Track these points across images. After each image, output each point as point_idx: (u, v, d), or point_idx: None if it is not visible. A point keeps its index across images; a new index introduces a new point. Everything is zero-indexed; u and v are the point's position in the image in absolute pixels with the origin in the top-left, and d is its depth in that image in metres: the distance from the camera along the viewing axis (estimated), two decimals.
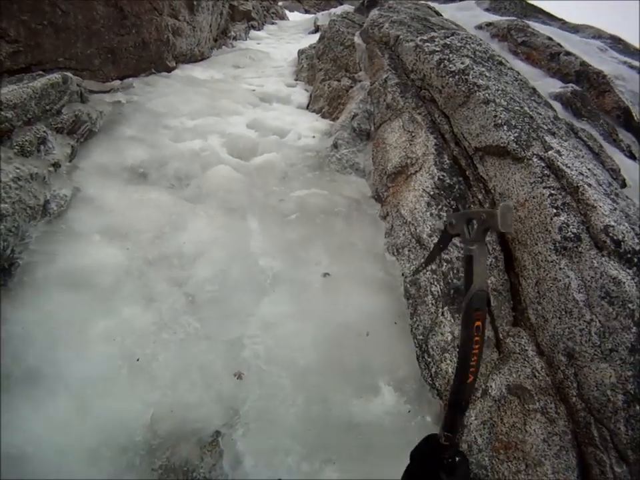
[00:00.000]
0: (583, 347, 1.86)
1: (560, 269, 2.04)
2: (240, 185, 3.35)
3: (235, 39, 8.89)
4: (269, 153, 3.85)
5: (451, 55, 3.36)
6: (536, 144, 2.51)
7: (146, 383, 1.96)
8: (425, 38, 3.80)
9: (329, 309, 2.42)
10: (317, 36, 7.64)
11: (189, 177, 3.35)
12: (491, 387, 1.96)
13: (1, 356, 1.86)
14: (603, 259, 1.95)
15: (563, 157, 2.40)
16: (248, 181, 3.43)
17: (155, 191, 3.09)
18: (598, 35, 7.33)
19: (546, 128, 2.72)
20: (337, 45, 5.73)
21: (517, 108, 2.80)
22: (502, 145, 2.57)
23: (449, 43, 3.59)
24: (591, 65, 5.10)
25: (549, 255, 2.11)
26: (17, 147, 2.58)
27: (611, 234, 1.97)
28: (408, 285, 2.49)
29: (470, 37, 3.86)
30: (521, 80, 3.50)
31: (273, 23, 12.71)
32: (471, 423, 1.88)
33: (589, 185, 2.21)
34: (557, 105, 4.09)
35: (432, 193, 2.70)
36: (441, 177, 2.76)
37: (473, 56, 3.42)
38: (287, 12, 15.41)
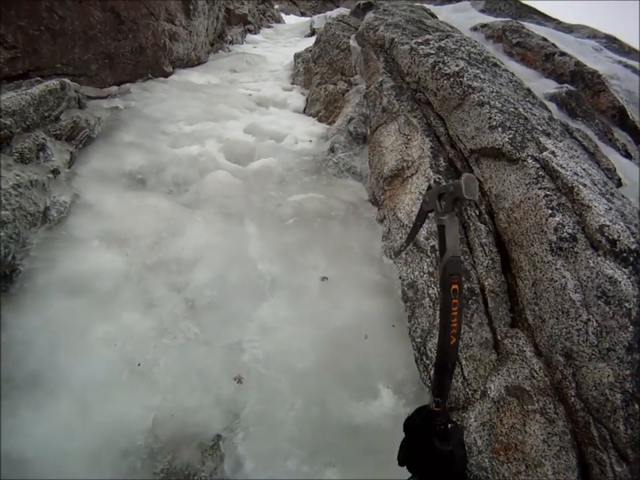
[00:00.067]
0: (581, 346, 1.87)
1: (556, 269, 2.05)
2: (238, 190, 3.36)
3: (231, 42, 8.91)
4: (266, 158, 3.86)
5: (445, 58, 3.37)
6: (531, 145, 2.52)
7: (146, 388, 1.97)
8: (420, 41, 3.81)
9: (327, 312, 2.43)
10: (313, 39, 7.65)
11: (187, 182, 3.36)
12: (490, 388, 1.97)
13: (4, 361, 1.87)
14: (599, 258, 1.96)
15: (558, 158, 2.40)
16: (245, 185, 3.44)
17: (153, 196, 3.10)
18: (593, 34, 7.37)
19: (541, 129, 2.73)
20: (332, 49, 5.74)
21: (511, 109, 2.82)
22: (497, 146, 2.58)
23: (443, 45, 3.60)
24: (585, 65, 5.12)
25: (545, 256, 2.12)
26: (16, 154, 2.59)
27: (606, 233, 1.98)
28: (405, 288, 2.50)
29: (464, 39, 3.87)
30: (516, 81, 3.51)
31: (269, 27, 12.75)
32: (470, 425, 1.89)
33: (584, 185, 2.22)
34: (552, 106, 4.11)
35: None
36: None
37: (467, 58, 3.43)
38: (283, 15, 15.45)
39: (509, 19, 6.52)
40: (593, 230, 2.03)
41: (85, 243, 2.54)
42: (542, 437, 1.81)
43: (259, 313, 2.41)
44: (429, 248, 2.45)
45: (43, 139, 2.84)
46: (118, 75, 4.83)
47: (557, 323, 1.99)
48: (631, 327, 1.78)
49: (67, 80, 3.43)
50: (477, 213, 2.63)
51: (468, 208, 2.66)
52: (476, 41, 4.11)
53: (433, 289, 2.29)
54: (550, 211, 2.17)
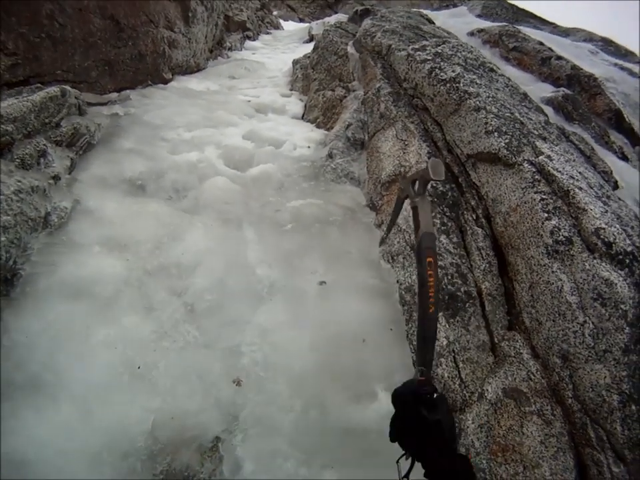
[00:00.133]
0: (577, 348, 1.88)
1: (552, 272, 2.07)
2: (236, 195, 3.38)
3: (230, 49, 8.97)
4: (265, 164, 3.88)
5: (442, 64, 3.40)
6: (527, 149, 2.54)
7: (147, 390, 1.99)
8: (417, 47, 3.84)
9: (325, 316, 2.44)
10: (311, 45, 7.69)
11: (186, 188, 3.38)
12: (487, 390, 1.98)
13: (6, 363, 1.89)
14: (595, 261, 1.97)
15: (554, 162, 2.42)
16: (244, 191, 3.46)
17: (153, 202, 3.12)
18: (589, 37, 7.39)
19: (537, 133, 2.75)
20: (330, 55, 5.78)
21: (507, 114, 2.84)
22: (493, 151, 2.60)
23: (440, 51, 3.64)
24: (582, 69, 5.14)
25: (542, 259, 2.14)
26: (17, 160, 2.61)
27: (602, 236, 2.00)
28: (403, 292, 2.52)
29: (461, 45, 3.90)
30: (512, 86, 3.54)
31: (267, 33, 12.83)
32: (468, 427, 1.90)
33: (580, 189, 2.24)
34: (548, 110, 4.12)
35: None
36: (434, 185, 2.78)
37: (463, 64, 3.46)
38: (281, 21, 15.55)
39: (506, 24, 6.54)
40: (588, 233, 2.05)
41: (85, 248, 2.56)
42: (539, 438, 1.82)
43: (257, 317, 2.42)
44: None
45: (44, 145, 2.86)
46: (118, 82, 4.86)
47: (553, 325, 2.00)
48: (627, 328, 1.79)
49: (67, 87, 3.46)
50: (474, 217, 2.65)
51: (465, 212, 2.68)
52: (472, 47, 4.14)
53: None
54: (546, 215, 2.19)
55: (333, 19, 10.65)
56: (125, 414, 1.88)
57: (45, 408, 1.81)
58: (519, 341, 2.17)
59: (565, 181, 2.27)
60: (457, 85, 3.09)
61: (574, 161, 2.65)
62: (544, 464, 1.77)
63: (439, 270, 2.36)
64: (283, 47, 10.84)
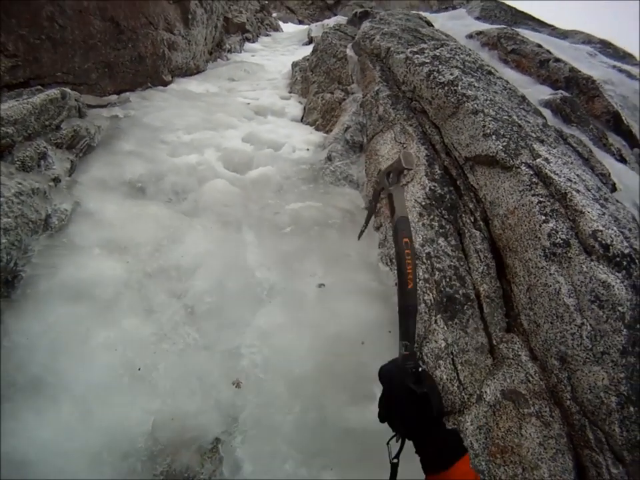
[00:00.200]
0: (575, 350, 1.89)
1: (550, 274, 2.08)
2: (236, 198, 3.38)
3: (229, 51, 8.99)
4: (264, 167, 3.89)
5: (440, 67, 3.40)
6: (524, 152, 2.55)
7: (147, 392, 1.99)
8: (415, 50, 3.84)
9: (324, 318, 2.45)
10: (310, 47, 7.71)
11: (186, 191, 3.39)
12: (486, 392, 1.99)
13: (7, 365, 1.89)
14: (592, 263, 1.98)
15: (551, 164, 2.43)
16: (244, 194, 3.47)
17: (153, 204, 3.12)
18: (588, 40, 7.40)
19: (534, 136, 2.76)
20: (329, 58, 5.78)
21: (505, 117, 2.85)
22: (491, 154, 2.60)
23: (438, 54, 3.64)
24: (580, 71, 5.13)
25: (539, 261, 2.15)
26: (18, 162, 2.62)
27: (599, 238, 2.01)
28: None
29: (459, 48, 3.91)
30: (510, 89, 3.55)
31: (267, 35, 12.86)
32: (466, 429, 1.90)
33: (577, 191, 2.25)
34: (546, 112, 4.13)
35: (423, 203, 2.72)
36: (432, 187, 2.78)
37: (462, 66, 3.47)
38: (281, 23, 15.59)
39: (504, 26, 6.54)
40: (586, 235, 2.05)
41: (85, 250, 2.56)
42: (538, 439, 1.83)
43: (257, 319, 2.43)
44: (425, 255, 2.46)
45: (44, 147, 2.86)
46: (118, 84, 4.87)
47: (551, 327, 2.01)
48: (625, 330, 1.80)
49: (67, 89, 3.45)
50: (472, 220, 2.66)
51: (463, 215, 2.68)
52: (470, 49, 4.15)
53: (429, 294, 2.31)
54: (543, 217, 2.20)
55: (332, 21, 10.65)
56: (125, 415, 1.89)
57: (46, 409, 1.81)
58: (517, 343, 2.17)
59: (562, 183, 2.28)
60: (455, 87, 3.10)
61: (572, 163, 2.65)
62: (543, 465, 1.77)
63: (438, 273, 2.37)
64: (282, 49, 10.85)
